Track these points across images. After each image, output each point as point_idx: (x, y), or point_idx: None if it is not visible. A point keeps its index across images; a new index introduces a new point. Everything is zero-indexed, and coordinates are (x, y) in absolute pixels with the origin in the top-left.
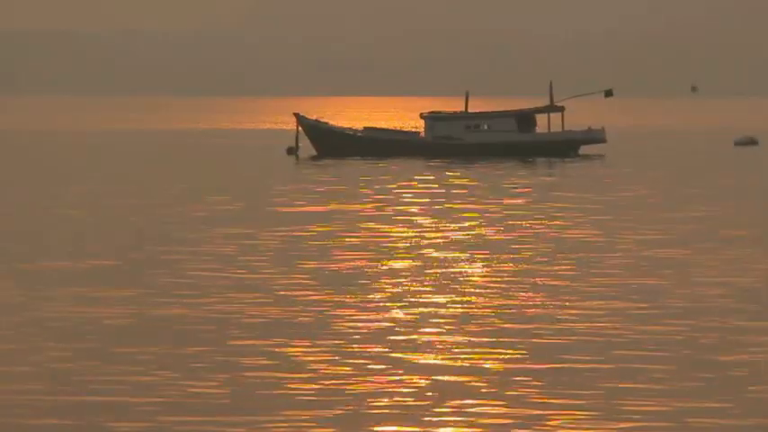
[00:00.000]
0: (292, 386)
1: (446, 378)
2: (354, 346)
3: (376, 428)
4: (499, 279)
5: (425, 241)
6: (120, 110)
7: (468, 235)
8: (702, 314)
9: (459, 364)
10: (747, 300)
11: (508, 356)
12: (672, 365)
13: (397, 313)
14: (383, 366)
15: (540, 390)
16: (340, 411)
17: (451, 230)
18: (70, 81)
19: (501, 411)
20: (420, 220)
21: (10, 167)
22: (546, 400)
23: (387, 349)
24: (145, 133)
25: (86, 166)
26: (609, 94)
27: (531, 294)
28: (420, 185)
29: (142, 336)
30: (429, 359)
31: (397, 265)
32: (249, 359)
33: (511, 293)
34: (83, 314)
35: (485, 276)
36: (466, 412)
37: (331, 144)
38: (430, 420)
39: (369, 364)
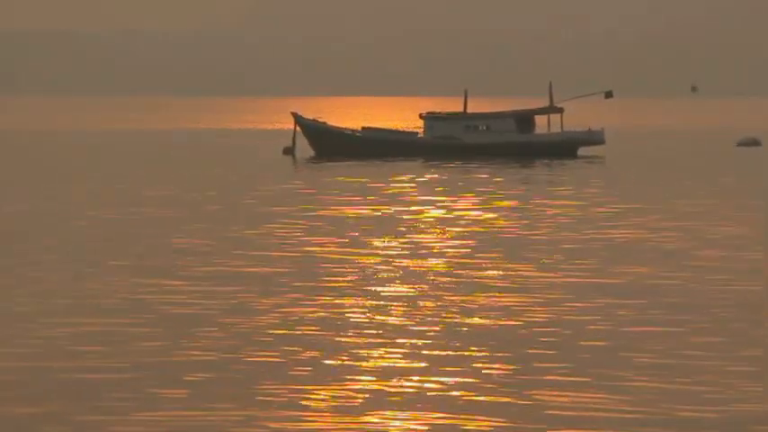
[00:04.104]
0: (288, 384)
1: (441, 377)
2: (347, 345)
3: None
4: (496, 279)
5: (420, 241)
6: (120, 110)
7: (463, 235)
8: (699, 316)
9: (452, 361)
10: (747, 303)
11: (500, 354)
12: (669, 367)
13: (387, 312)
14: (375, 365)
15: (537, 390)
16: (324, 407)
17: (446, 230)
18: (70, 81)
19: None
20: (416, 219)
21: (10, 167)
22: (542, 400)
23: (379, 351)
24: (145, 133)
25: (86, 166)
26: (609, 95)
27: (527, 294)
28: (418, 186)
29: (142, 333)
30: (421, 361)
31: (391, 264)
32: (240, 355)
33: (505, 294)
34: (82, 312)
35: (481, 276)
36: (457, 407)
37: (329, 144)
38: (424, 418)
39: (358, 362)
